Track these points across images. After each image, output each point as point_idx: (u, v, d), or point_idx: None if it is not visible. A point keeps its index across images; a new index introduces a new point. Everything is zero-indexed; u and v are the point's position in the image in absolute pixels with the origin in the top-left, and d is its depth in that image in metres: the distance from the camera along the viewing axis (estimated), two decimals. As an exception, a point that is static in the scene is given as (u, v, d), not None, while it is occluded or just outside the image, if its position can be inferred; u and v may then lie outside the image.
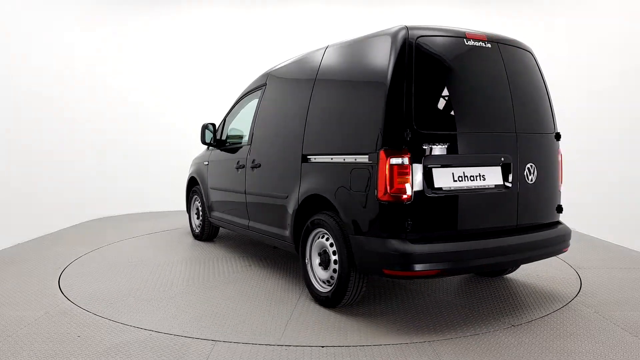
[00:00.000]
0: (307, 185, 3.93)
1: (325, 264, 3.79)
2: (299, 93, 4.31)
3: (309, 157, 3.96)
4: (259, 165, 4.75)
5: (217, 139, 5.81)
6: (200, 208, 6.38)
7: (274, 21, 9.15)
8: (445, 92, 3.45)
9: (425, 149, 3.25)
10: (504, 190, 3.54)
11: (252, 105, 5.29)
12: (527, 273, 4.75)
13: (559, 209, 4.00)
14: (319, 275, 3.87)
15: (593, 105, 6.76)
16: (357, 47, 3.77)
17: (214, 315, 3.65)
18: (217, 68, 9.19)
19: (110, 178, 8.64)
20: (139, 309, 3.80)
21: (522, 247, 3.55)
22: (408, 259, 3.15)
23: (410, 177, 3.19)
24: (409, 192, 3.19)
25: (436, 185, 3.26)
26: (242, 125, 5.44)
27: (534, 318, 3.60)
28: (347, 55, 3.85)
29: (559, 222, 3.99)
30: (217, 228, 6.26)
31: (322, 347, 3.12)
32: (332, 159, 3.70)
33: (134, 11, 8.92)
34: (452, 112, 3.44)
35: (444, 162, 3.32)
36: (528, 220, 3.70)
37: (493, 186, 3.49)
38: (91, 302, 3.94)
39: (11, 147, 6.22)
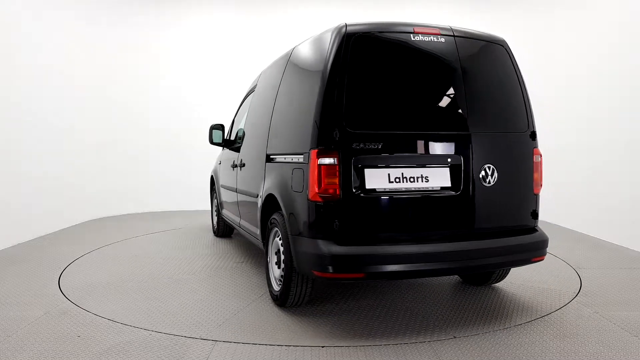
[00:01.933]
0: (267, 185, 3.98)
1: (279, 263, 3.80)
2: (269, 93, 4.43)
3: (271, 156, 3.99)
4: (244, 165, 4.86)
5: (225, 138, 5.89)
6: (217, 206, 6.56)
7: (277, 22, 9.15)
8: (383, 90, 3.32)
9: (356, 149, 3.14)
10: (452, 193, 3.32)
11: (246, 105, 5.45)
12: (527, 273, 4.75)
13: (534, 215, 3.66)
14: (275, 274, 3.88)
15: (593, 105, 6.77)
16: (309, 46, 3.73)
17: (164, 308, 3.68)
18: (219, 68, 9.19)
19: (110, 178, 8.65)
20: (139, 308, 3.80)
21: (473, 253, 3.28)
22: (333, 261, 3.06)
23: (339, 177, 3.11)
24: (337, 192, 3.11)
25: (368, 186, 3.15)
26: (242, 125, 5.54)
27: (534, 318, 3.60)
28: (303, 54, 3.83)
29: (534, 229, 3.66)
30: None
31: (322, 347, 3.12)
32: (284, 158, 3.69)
33: (138, 11, 8.92)
34: (389, 111, 3.30)
35: (378, 163, 3.19)
36: (487, 226, 3.44)
37: (439, 188, 3.29)
38: (91, 302, 3.94)
39: (11, 147, 6.22)
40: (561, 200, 7.41)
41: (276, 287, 3.84)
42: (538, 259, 3.59)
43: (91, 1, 8.36)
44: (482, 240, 3.35)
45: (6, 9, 6.25)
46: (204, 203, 9.06)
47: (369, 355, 3.00)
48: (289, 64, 4.07)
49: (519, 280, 4.52)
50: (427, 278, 4.55)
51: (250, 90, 5.58)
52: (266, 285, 4.28)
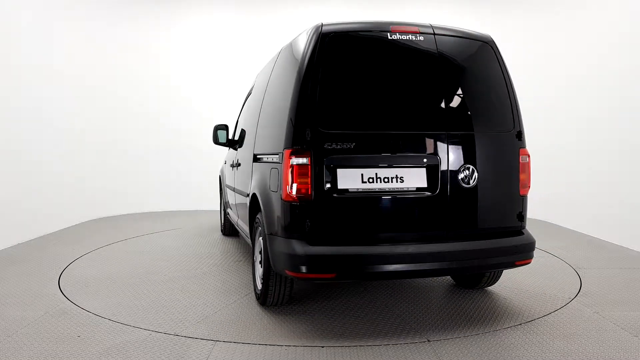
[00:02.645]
0: (252, 184, 4.01)
1: (262, 262, 3.82)
2: (259, 93, 4.48)
3: (258, 156, 4.02)
4: (239, 165, 4.91)
5: (229, 138, 5.93)
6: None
7: (279, 22, 9.14)
8: (357, 90, 3.32)
9: (328, 148, 3.13)
10: (428, 194, 3.26)
11: (246, 105, 5.54)
12: (526, 273, 4.75)
13: (520, 217, 3.57)
14: (259, 273, 3.90)
15: (594, 105, 6.77)
16: (290, 47, 3.74)
17: (146, 304, 3.73)
18: (220, 68, 9.19)
19: (110, 178, 8.64)
20: (139, 308, 3.80)
21: (450, 255, 3.22)
22: (303, 261, 3.06)
23: (311, 177, 3.11)
24: (309, 192, 3.11)
25: (341, 186, 3.14)
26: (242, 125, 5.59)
27: (534, 318, 3.60)
28: (285, 54, 3.85)
29: (520, 232, 3.56)
30: None
31: (322, 347, 3.12)
32: (266, 158, 3.70)
33: (138, 11, 8.92)
34: (363, 111, 3.29)
35: (351, 163, 3.17)
36: (466, 227, 3.37)
37: (414, 189, 3.24)
38: (91, 302, 3.94)
39: (11, 146, 6.22)
40: (561, 200, 7.41)
41: (259, 286, 3.86)
42: (522, 262, 3.47)
43: (92, 1, 8.36)
44: (461, 242, 3.29)
45: (6, 9, 6.25)
46: (205, 203, 9.07)
47: (368, 355, 3.00)
48: (275, 64, 4.11)
49: (518, 281, 4.52)
50: (425, 279, 4.55)
51: (249, 91, 5.67)
52: (232, 284, 4.39)
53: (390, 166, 3.23)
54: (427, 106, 3.38)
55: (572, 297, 4.06)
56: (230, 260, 5.34)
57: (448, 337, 3.26)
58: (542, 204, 7.87)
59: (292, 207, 3.16)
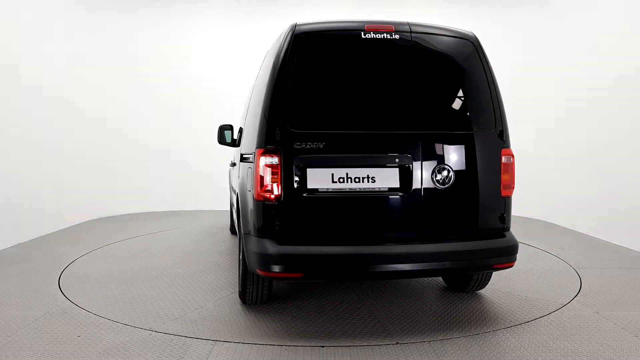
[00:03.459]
0: (238, 184, 4.06)
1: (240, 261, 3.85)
2: (248, 94, 4.54)
3: (244, 156, 4.05)
4: (234, 164, 5.00)
5: (233, 138, 5.95)
6: None
7: (279, 22, 9.13)
8: (328, 90, 3.32)
9: (297, 148, 3.14)
10: (400, 194, 3.22)
11: (244, 104, 5.58)
12: (526, 273, 4.75)
13: (502, 219, 3.44)
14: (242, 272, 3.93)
15: (594, 105, 6.76)
16: (270, 48, 3.77)
17: (133, 300, 3.76)
18: (221, 68, 9.19)
19: (110, 178, 8.64)
20: (139, 308, 3.81)
21: (422, 257, 3.16)
22: (272, 260, 3.08)
23: (280, 177, 3.13)
24: (278, 192, 3.13)
25: (310, 186, 3.15)
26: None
27: (534, 318, 3.60)
28: (267, 55, 3.88)
29: (501, 234, 3.45)
30: None
31: (322, 347, 3.12)
32: (249, 158, 3.72)
33: (139, 10, 8.92)
34: (333, 110, 3.28)
35: (321, 163, 3.17)
36: (440, 229, 3.31)
37: (386, 189, 3.21)
38: (91, 302, 3.94)
39: (11, 147, 6.22)
40: (561, 200, 7.42)
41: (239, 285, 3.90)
42: (502, 266, 3.38)
43: (92, 1, 8.36)
44: (435, 244, 3.24)
45: (6, 9, 6.25)
46: (205, 203, 9.08)
47: (369, 354, 3.00)
48: (262, 64, 4.16)
49: (518, 281, 4.52)
50: (419, 280, 4.56)
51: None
52: (222, 282, 4.46)
53: (361, 166, 3.20)
54: (401, 105, 3.32)
55: (572, 297, 4.06)
56: (229, 259, 5.34)
57: (448, 337, 3.26)
58: (542, 204, 7.88)
59: (263, 206, 3.17)
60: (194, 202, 9.22)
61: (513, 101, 8.34)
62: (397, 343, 3.16)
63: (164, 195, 9.17)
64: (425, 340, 3.21)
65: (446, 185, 3.28)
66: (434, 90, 3.40)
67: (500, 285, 4.37)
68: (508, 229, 3.49)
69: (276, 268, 3.08)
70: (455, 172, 3.30)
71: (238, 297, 4.03)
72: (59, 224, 7.24)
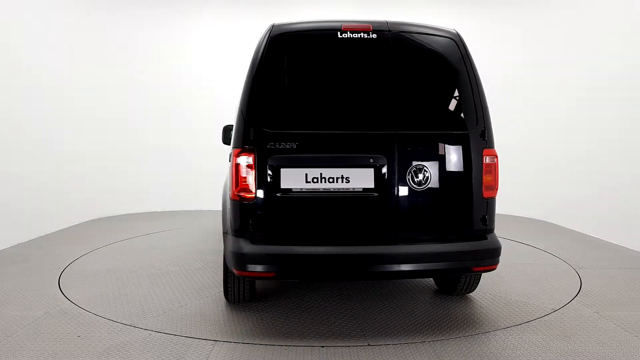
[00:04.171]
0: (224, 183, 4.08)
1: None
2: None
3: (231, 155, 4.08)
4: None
5: None
6: None
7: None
8: (303, 90, 3.33)
9: (271, 148, 3.16)
10: (375, 195, 3.18)
11: None
12: (526, 273, 4.75)
13: (484, 221, 3.34)
14: None
15: (593, 105, 6.76)
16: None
17: (121, 297, 3.81)
18: (221, 68, 9.18)
19: (110, 178, 8.64)
20: (139, 308, 3.81)
21: (397, 258, 3.12)
22: (245, 259, 3.10)
23: (254, 176, 3.15)
24: (252, 192, 3.16)
25: (284, 185, 3.16)
26: None
27: (534, 318, 3.60)
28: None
29: (482, 236, 3.35)
30: None
31: (322, 347, 3.12)
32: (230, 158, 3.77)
33: (140, 10, 8.92)
34: (308, 110, 3.29)
35: (294, 163, 3.17)
36: (416, 230, 3.25)
37: (361, 190, 3.17)
38: (91, 302, 3.94)
39: (11, 147, 6.22)
40: (561, 200, 7.41)
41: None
42: (482, 268, 3.30)
43: (92, 1, 8.36)
44: (410, 245, 3.19)
45: (6, 9, 6.25)
46: (205, 203, 9.06)
47: (369, 355, 3.00)
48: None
49: (518, 281, 4.52)
50: (416, 281, 4.56)
51: None
52: (212, 282, 4.48)
53: (335, 166, 3.18)
54: (376, 105, 3.29)
55: (572, 297, 4.06)
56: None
57: (448, 337, 3.26)
58: (542, 204, 7.88)
59: (238, 205, 3.20)
60: (194, 202, 9.21)
61: (513, 101, 8.37)
62: (397, 343, 3.16)
63: (164, 195, 9.17)
64: (425, 340, 3.21)
65: (423, 186, 3.23)
66: (411, 90, 3.34)
67: (500, 286, 4.37)
68: (491, 231, 3.41)
69: (249, 267, 3.11)
70: (433, 172, 3.24)
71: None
72: (59, 224, 7.23)
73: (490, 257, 3.29)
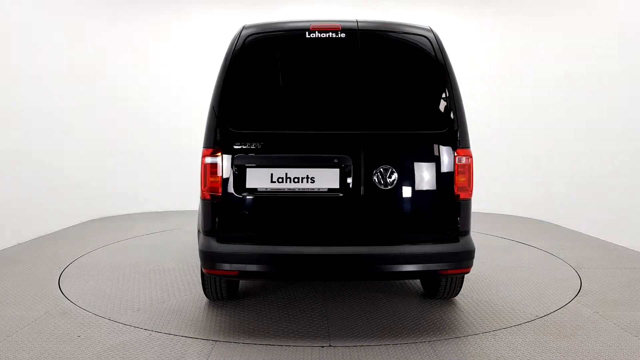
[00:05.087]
0: None
1: None
2: None
3: None
4: None
5: None
6: None
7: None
8: (269, 90, 3.36)
9: (237, 148, 3.20)
10: (339, 195, 3.15)
11: None
12: (526, 273, 4.75)
13: (456, 223, 3.24)
14: None
15: (593, 105, 6.77)
16: None
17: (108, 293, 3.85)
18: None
19: (110, 178, 8.63)
20: (139, 308, 3.81)
21: (360, 259, 3.09)
22: (209, 258, 3.17)
23: (221, 176, 3.20)
24: (219, 191, 3.21)
25: (249, 185, 3.18)
26: None
27: (533, 318, 3.60)
28: None
29: (454, 239, 3.24)
30: None
31: (322, 347, 3.12)
32: None
33: (139, 9, 8.91)
34: (273, 110, 3.32)
35: (260, 163, 3.20)
36: (381, 231, 3.20)
37: (325, 190, 3.15)
38: (91, 302, 3.94)
39: (11, 147, 6.22)
40: (561, 200, 7.41)
41: None
42: (452, 272, 3.21)
43: (92, 1, 8.36)
44: (374, 246, 3.14)
45: (6, 9, 6.25)
46: (204, 203, 9.04)
47: (369, 354, 3.00)
48: None
49: (518, 281, 4.52)
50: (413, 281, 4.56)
51: None
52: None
53: (300, 166, 3.18)
54: (343, 105, 3.26)
55: (572, 297, 4.06)
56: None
57: (448, 337, 3.26)
58: (542, 204, 7.87)
59: (207, 205, 3.27)
60: (194, 202, 9.19)
61: (513, 101, 8.37)
62: (397, 343, 3.16)
63: (164, 195, 9.16)
64: (425, 340, 3.21)
65: (389, 187, 3.16)
66: (380, 90, 3.30)
67: (499, 286, 4.37)
68: (465, 233, 3.28)
69: (214, 266, 3.16)
70: (400, 173, 3.17)
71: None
72: (59, 224, 7.23)
73: (460, 260, 3.18)
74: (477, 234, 6.59)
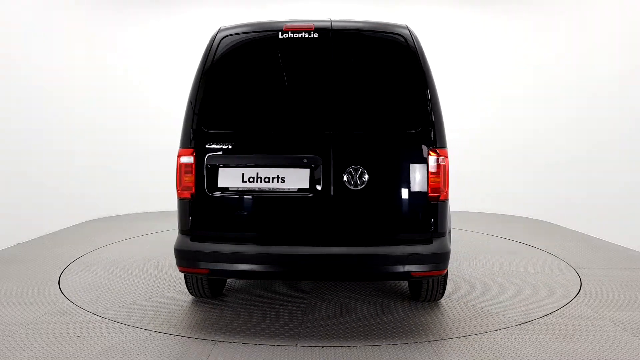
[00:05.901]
0: None
1: None
2: None
3: None
4: None
5: None
6: None
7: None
8: (242, 91, 3.42)
9: (209, 147, 3.24)
10: (309, 195, 3.15)
11: None
12: (526, 273, 4.75)
13: (429, 224, 3.18)
14: None
15: (593, 104, 6.76)
16: None
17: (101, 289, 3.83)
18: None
19: (110, 177, 8.63)
20: (139, 308, 3.81)
21: (329, 259, 3.08)
22: (182, 256, 3.24)
23: (194, 175, 3.24)
24: (192, 190, 3.25)
25: (221, 184, 3.22)
26: None
27: (534, 318, 3.60)
28: None
29: (428, 240, 3.18)
30: None
31: (322, 347, 3.12)
32: None
33: (137, 9, 8.92)
34: (245, 111, 3.38)
35: (231, 162, 3.24)
36: (351, 232, 3.18)
37: (296, 190, 3.16)
38: (91, 302, 3.94)
39: (11, 147, 6.22)
40: (561, 200, 7.41)
41: None
42: (424, 274, 3.17)
43: (92, 1, 8.35)
44: (343, 247, 3.13)
45: (6, 9, 6.25)
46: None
47: (369, 354, 3.00)
48: None
49: (518, 281, 4.52)
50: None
51: None
52: None
53: (271, 166, 3.21)
54: (314, 105, 3.27)
55: (572, 297, 4.06)
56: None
57: (448, 337, 3.26)
58: (542, 204, 7.87)
59: (181, 203, 3.33)
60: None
61: (513, 101, 8.36)
62: (397, 343, 3.16)
63: (164, 195, 9.15)
64: (425, 340, 3.21)
65: (359, 187, 3.14)
66: (351, 89, 3.31)
67: (499, 286, 4.37)
68: (441, 235, 3.22)
69: (185, 264, 3.24)
70: (370, 173, 3.15)
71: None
72: (59, 224, 7.23)
73: (433, 262, 3.14)
74: (477, 234, 6.60)
